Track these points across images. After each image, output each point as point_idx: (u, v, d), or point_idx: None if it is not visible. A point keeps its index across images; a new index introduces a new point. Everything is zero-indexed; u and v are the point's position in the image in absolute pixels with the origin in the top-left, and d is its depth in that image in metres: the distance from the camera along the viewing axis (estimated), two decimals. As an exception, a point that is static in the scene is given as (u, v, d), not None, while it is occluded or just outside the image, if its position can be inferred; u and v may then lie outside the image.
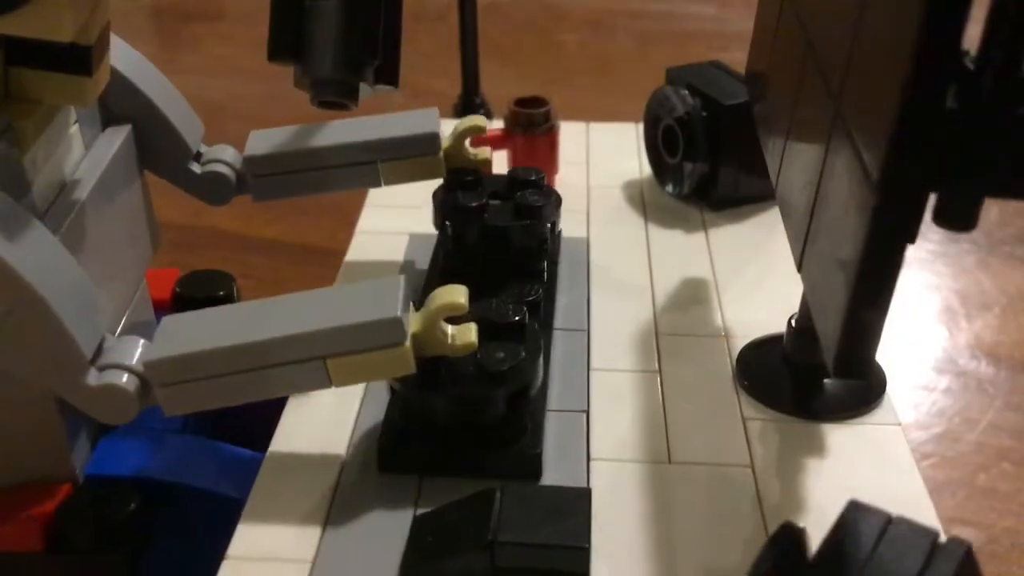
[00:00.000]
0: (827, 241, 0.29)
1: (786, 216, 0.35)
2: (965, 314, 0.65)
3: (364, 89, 0.37)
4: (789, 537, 0.25)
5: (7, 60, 0.33)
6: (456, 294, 0.32)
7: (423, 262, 0.47)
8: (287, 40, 0.35)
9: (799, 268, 0.33)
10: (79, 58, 0.33)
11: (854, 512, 0.26)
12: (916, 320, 0.65)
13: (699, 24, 0.96)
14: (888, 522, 0.26)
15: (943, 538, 0.25)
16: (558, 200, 0.43)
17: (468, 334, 0.33)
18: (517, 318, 0.35)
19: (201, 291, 0.48)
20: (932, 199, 0.26)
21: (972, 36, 0.24)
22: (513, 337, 0.35)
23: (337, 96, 0.35)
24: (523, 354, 0.34)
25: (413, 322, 0.32)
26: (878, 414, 0.38)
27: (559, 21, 1.07)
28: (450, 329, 0.33)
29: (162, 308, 0.46)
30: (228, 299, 0.48)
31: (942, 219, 0.26)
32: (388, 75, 0.37)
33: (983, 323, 0.64)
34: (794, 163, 0.34)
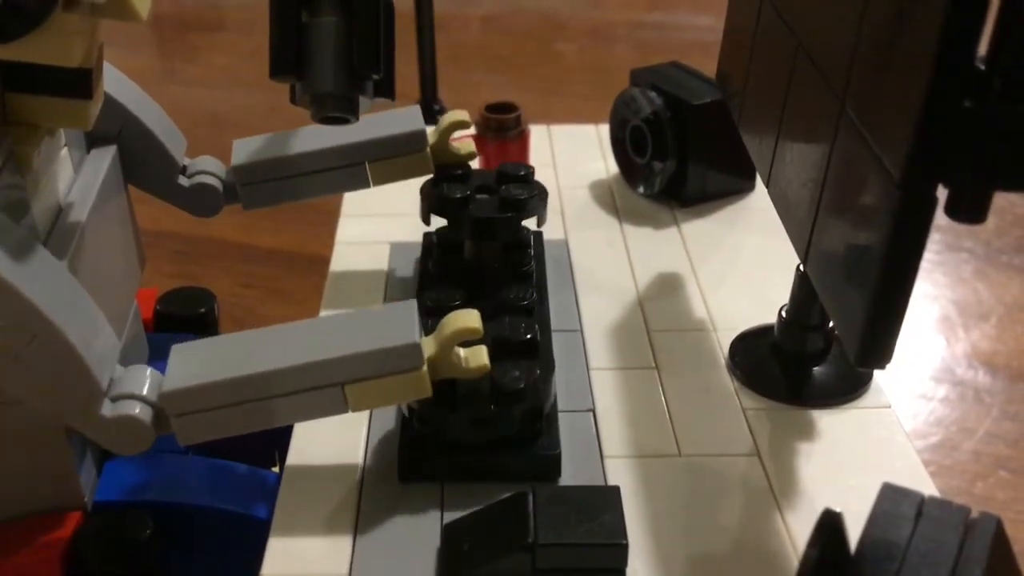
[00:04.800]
0: (841, 237, 0.31)
1: (784, 213, 0.37)
2: (963, 324, 0.66)
3: (362, 102, 0.37)
4: (831, 524, 0.26)
5: (6, 85, 0.33)
6: (470, 319, 0.33)
7: (407, 270, 0.47)
8: (288, 57, 0.35)
9: (804, 263, 0.34)
10: (81, 82, 0.33)
11: (890, 494, 0.27)
12: (914, 330, 0.66)
13: (697, 34, 0.97)
14: (922, 502, 0.27)
15: (974, 514, 0.27)
16: (543, 194, 0.43)
17: (481, 357, 0.33)
18: (529, 336, 0.36)
19: (182, 309, 0.48)
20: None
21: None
22: (526, 354, 0.36)
23: (338, 111, 0.35)
24: (538, 372, 0.34)
25: (427, 346, 0.33)
26: (869, 398, 0.39)
27: (558, 31, 1.08)
28: (463, 352, 0.33)
29: (144, 327, 0.46)
30: (209, 316, 0.48)
31: (955, 213, 0.27)
32: (385, 87, 0.37)
33: (980, 333, 0.66)
34: (791, 161, 0.36)
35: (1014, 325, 0.67)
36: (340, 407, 0.33)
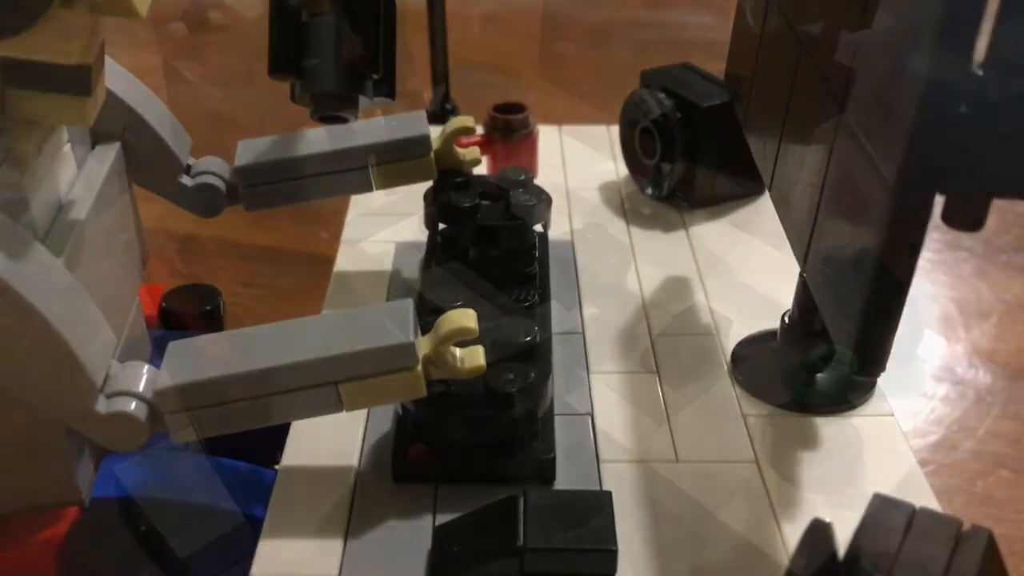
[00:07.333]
0: (838, 242, 0.30)
1: (785, 217, 0.36)
2: (963, 322, 0.66)
3: (362, 101, 0.37)
4: (820, 533, 0.26)
5: (4, 82, 0.33)
6: (466, 319, 0.32)
7: (411, 270, 0.47)
8: (287, 55, 0.35)
9: (803, 268, 0.34)
10: (80, 79, 0.33)
11: (879, 505, 0.27)
12: (914, 328, 0.65)
13: (698, 33, 0.97)
14: (912, 513, 0.27)
15: (966, 526, 0.26)
16: (548, 200, 0.43)
17: (477, 357, 0.33)
18: (528, 339, 0.36)
19: (187, 306, 0.48)
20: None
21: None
22: (524, 357, 0.35)
23: (337, 110, 0.36)
24: (532, 376, 0.34)
25: (423, 346, 0.33)
26: (871, 405, 0.39)
27: (558, 31, 1.07)
28: (459, 352, 0.33)
29: (150, 324, 0.46)
30: (215, 313, 0.48)
31: (952, 220, 0.27)
32: (386, 87, 0.37)
33: (981, 331, 0.65)
34: (792, 165, 0.35)
35: (1015, 324, 0.66)
36: (335, 406, 0.33)
